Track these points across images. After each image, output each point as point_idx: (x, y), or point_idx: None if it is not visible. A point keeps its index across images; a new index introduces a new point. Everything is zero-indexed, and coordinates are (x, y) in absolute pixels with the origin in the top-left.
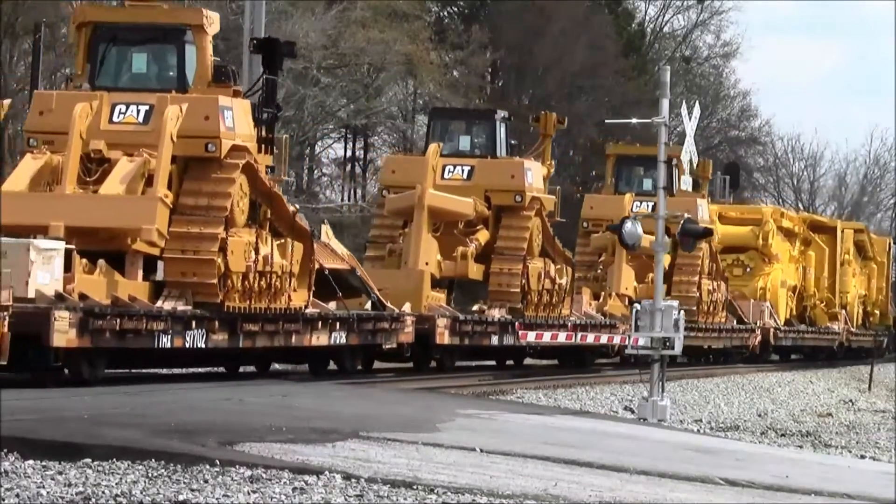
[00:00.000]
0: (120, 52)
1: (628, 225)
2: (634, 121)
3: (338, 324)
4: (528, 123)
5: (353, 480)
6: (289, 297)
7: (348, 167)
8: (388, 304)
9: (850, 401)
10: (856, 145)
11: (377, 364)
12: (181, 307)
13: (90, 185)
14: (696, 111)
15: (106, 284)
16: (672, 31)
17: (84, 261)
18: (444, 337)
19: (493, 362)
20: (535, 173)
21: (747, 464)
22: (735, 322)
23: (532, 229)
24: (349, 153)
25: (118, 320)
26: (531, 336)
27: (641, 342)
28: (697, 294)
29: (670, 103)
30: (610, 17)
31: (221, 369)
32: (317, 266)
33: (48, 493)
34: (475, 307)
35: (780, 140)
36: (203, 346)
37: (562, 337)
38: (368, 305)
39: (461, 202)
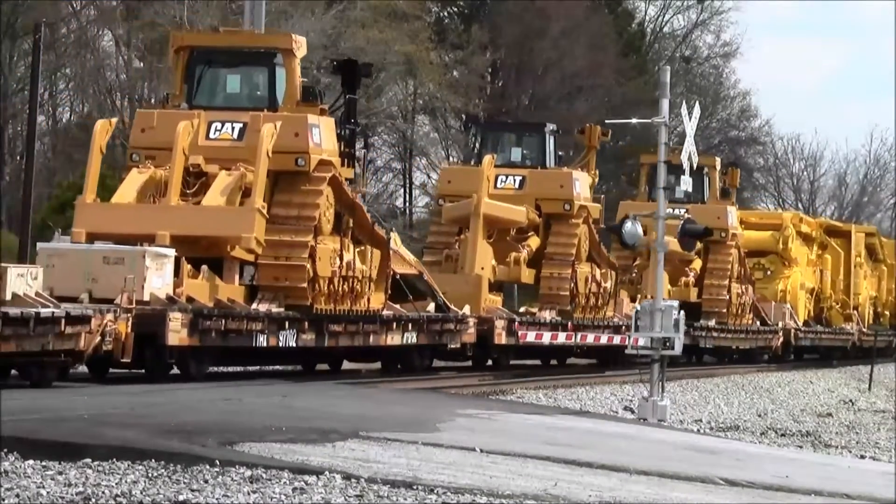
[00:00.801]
0: (215, 73)
1: (628, 225)
2: (634, 121)
3: (410, 325)
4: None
5: (352, 480)
6: (368, 299)
7: None
8: (452, 307)
9: (850, 401)
10: (856, 145)
11: (436, 363)
12: (275, 309)
13: (190, 197)
14: (696, 111)
15: (208, 288)
16: (672, 31)
17: (189, 266)
18: (501, 337)
19: (538, 361)
20: (582, 183)
21: (747, 464)
22: (759, 323)
23: (580, 236)
24: None
25: (223, 321)
26: (531, 336)
27: (641, 342)
28: (727, 297)
29: (670, 103)
30: (610, 18)
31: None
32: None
33: (48, 493)
34: (522, 309)
35: (780, 140)
36: (294, 345)
37: (561, 337)
38: (431, 307)
39: (515, 210)
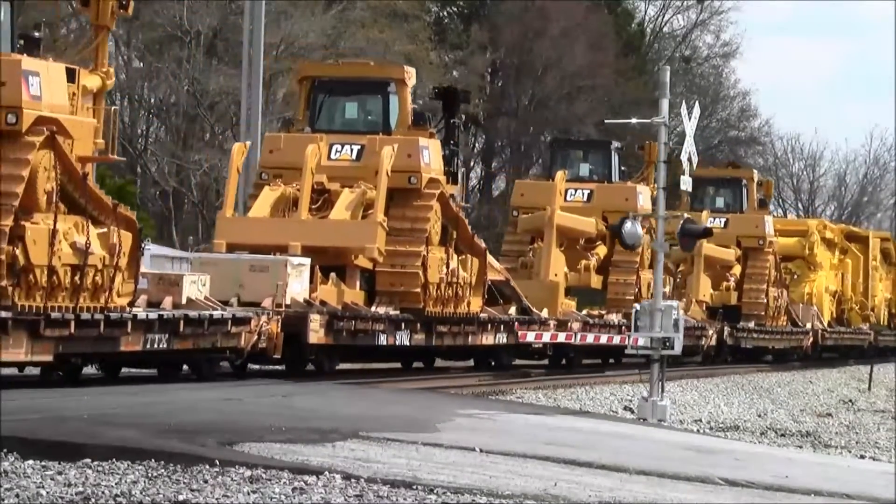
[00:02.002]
0: (335, 101)
1: (628, 225)
2: (634, 121)
3: (501, 326)
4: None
5: (352, 480)
6: (468, 303)
7: None
8: (534, 310)
9: (850, 401)
10: (856, 145)
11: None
12: (392, 312)
13: (315, 212)
14: (696, 111)
15: (336, 293)
16: (672, 31)
17: (319, 274)
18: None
19: (598, 360)
20: (644, 196)
21: (747, 464)
22: (790, 325)
23: (644, 247)
24: None
25: (353, 322)
26: (530, 336)
27: (641, 342)
28: (765, 301)
29: (670, 103)
30: (610, 17)
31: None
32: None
33: (48, 493)
34: (583, 311)
35: (780, 140)
36: (407, 343)
37: (561, 337)
38: (512, 311)
39: (585, 221)
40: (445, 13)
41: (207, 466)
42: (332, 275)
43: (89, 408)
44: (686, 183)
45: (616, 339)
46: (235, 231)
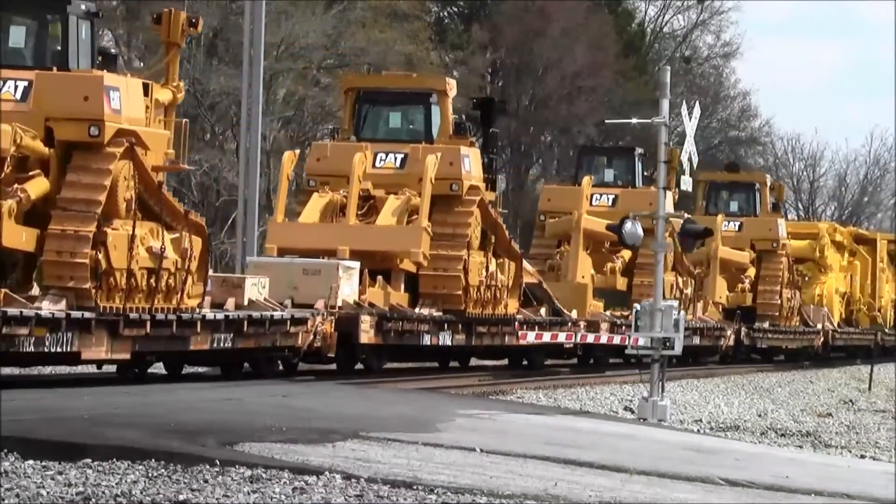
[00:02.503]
0: (379, 111)
1: (628, 225)
2: (634, 121)
3: (536, 327)
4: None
5: (353, 480)
6: (505, 305)
7: None
8: (565, 312)
9: (850, 401)
10: (856, 145)
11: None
12: (435, 313)
13: (361, 217)
14: (697, 111)
15: (383, 295)
16: (672, 32)
17: (367, 276)
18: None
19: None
20: (668, 202)
21: (747, 464)
22: (802, 325)
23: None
24: None
25: (400, 323)
26: (531, 336)
27: (641, 342)
28: (779, 301)
29: (670, 103)
30: (610, 18)
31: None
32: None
33: (48, 493)
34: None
35: (780, 140)
36: (449, 343)
37: (561, 337)
38: (543, 312)
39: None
40: (445, 13)
41: (208, 466)
42: (380, 278)
43: (90, 408)
44: (686, 183)
45: (616, 340)
46: (286, 236)
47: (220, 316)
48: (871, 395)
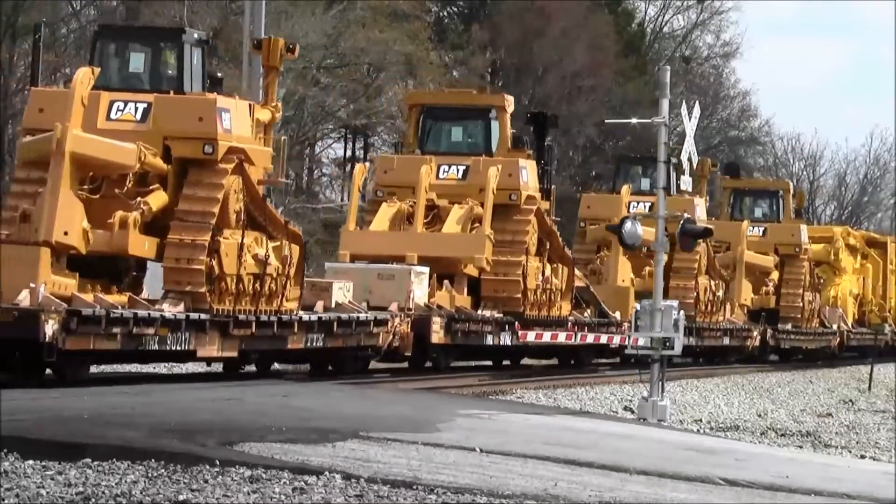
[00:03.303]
0: (442, 126)
1: (628, 225)
2: (634, 121)
3: (585, 327)
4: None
5: (352, 480)
6: (559, 307)
7: (348, 167)
8: (610, 313)
9: (850, 401)
10: (856, 145)
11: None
12: (496, 315)
13: (427, 226)
14: (696, 111)
15: (449, 298)
16: (672, 32)
17: (435, 281)
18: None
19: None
20: (701, 208)
21: (747, 464)
22: (820, 326)
23: (702, 253)
24: (349, 153)
25: (467, 324)
26: (531, 336)
27: (641, 342)
28: (801, 304)
29: (670, 103)
30: (610, 18)
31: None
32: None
33: (48, 493)
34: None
35: (780, 140)
36: (509, 343)
37: (562, 337)
38: (587, 313)
39: (647, 231)
40: (445, 13)
41: (208, 466)
42: (445, 282)
43: (89, 408)
44: (686, 183)
45: (616, 340)
46: (358, 243)
47: (313, 317)
48: (871, 395)
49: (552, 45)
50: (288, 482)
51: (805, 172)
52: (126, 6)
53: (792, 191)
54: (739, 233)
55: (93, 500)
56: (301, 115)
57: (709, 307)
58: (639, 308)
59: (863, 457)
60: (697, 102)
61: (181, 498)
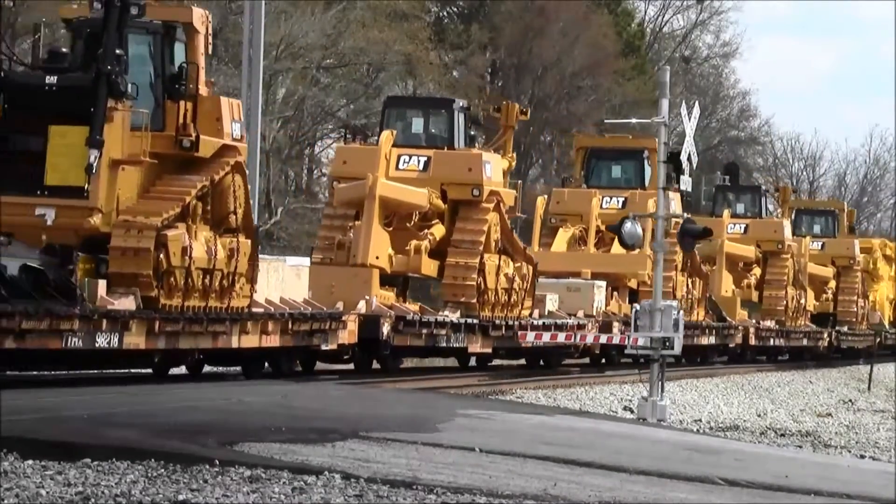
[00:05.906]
0: (603, 164)
1: (628, 225)
2: (634, 121)
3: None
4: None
5: (352, 480)
6: (698, 313)
7: None
8: (728, 318)
9: (850, 401)
10: (855, 145)
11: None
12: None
13: (596, 247)
14: (696, 111)
15: (618, 307)
16: (672, 31)
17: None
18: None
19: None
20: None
21: (747, 464)
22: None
23: (789, 267)
24: None
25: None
26: (530, 336)
27: (641, 342)
28: (855, 308)
29: (670, 103)
30: (609, 17)
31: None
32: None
33: (48, 493)
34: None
35: (780, 140)
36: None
37: (561, 337)
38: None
39: (731, 245)
40: (445, 13)
41: (207, 466)
42: (615, 294)
43: (89, 408)
44: (686, 183)
45: (616, 339)
46: (543, 261)
47: (541, 322)
48: (870, 395)
49: (552, 45)
50: (287, 482)
51: (805, 172)
52: None
53: (845, 210)
54: (801, 247)
55: (92, 500)
56: (301, 115)
57: (793, 314)
58: (639, 308)
59: (862, 457)
60: (697, 102)
61: (181, 498)
